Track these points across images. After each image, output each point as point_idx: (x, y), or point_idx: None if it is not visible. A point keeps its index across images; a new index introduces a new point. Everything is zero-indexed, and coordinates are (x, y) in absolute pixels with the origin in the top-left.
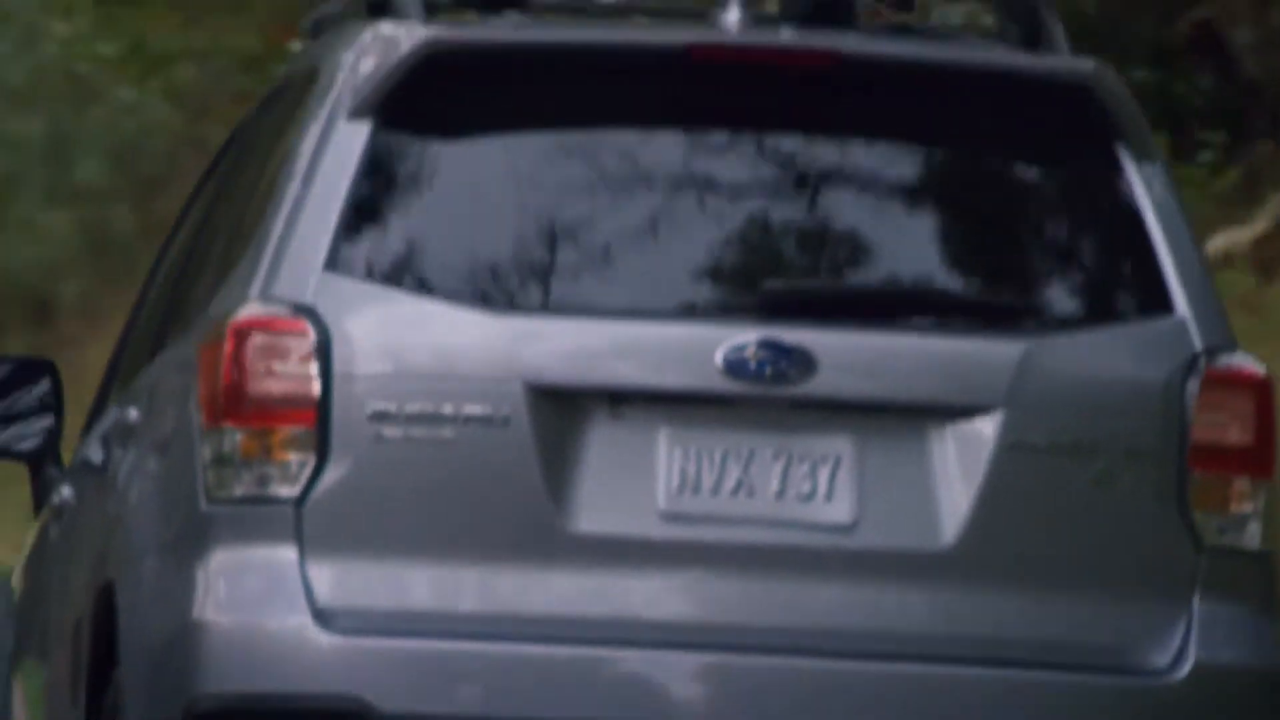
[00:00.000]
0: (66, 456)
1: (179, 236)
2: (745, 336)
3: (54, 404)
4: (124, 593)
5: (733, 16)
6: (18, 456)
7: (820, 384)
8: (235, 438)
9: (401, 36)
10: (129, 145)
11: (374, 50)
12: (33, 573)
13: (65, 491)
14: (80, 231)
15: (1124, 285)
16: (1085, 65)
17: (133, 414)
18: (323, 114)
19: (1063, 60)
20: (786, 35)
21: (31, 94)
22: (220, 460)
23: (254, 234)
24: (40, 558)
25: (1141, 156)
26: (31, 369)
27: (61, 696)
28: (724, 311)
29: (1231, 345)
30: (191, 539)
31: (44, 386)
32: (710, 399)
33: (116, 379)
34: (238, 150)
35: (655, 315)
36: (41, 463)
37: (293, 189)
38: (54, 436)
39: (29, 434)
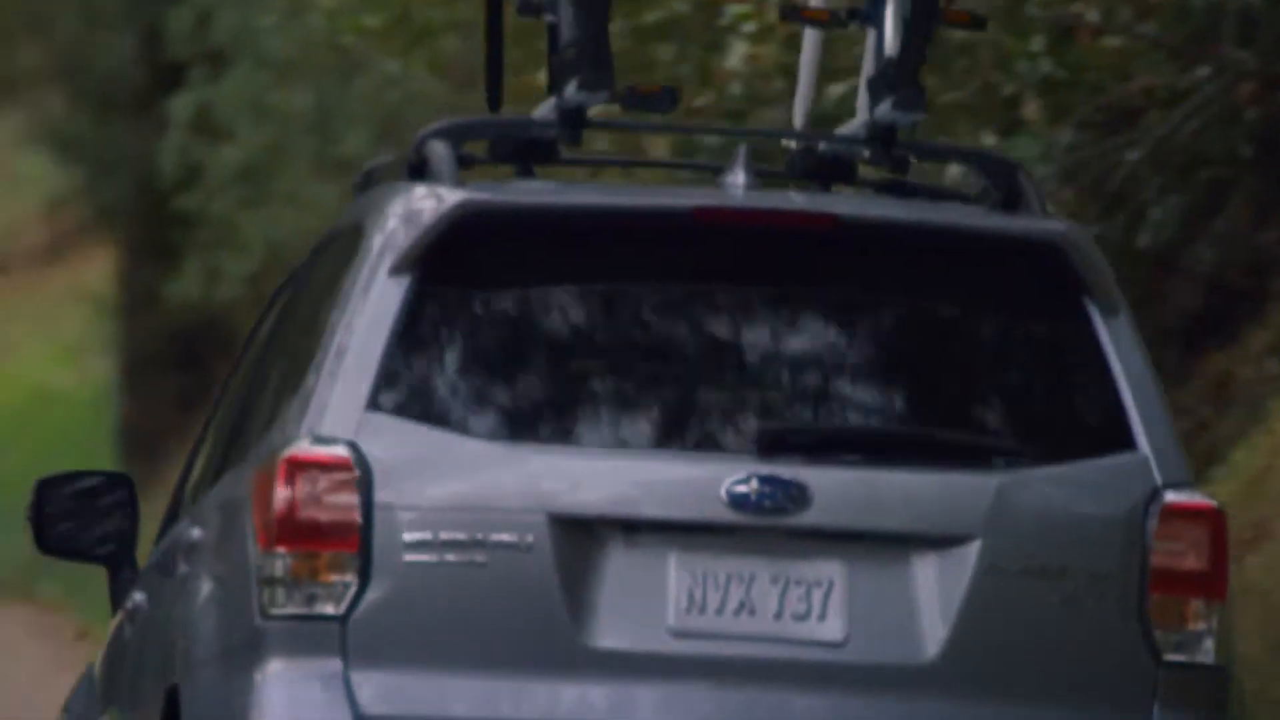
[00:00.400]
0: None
1: (246, 359)
2: (746, 472)
3: (130, 513)
4: (187, 696)
5: (738, 178)
6: (98, 560)
7: (814, 515)
8: (286, 561)
9: (437, 199)
10: (393, 117)
11: (412, 211)
12: (109, 669)
13: (138, 596)
14: (345, 203)
15: (1091, 426)
16: (1056, 226)
17: (197, 532)
18: (366, 268)
19: (1036, 222)
20: (784, 198)
21: (297, 67)
22: (272, 580)
23: (305, 374)
24: (116, 655)
25: (1107, 309)
26: (113, 481)
27: None
28: (727, 449)
29: (1188, 480)
30: (247, 650)
31: (121, 496)
32: (715, 528)
33: (187, 489)
34: (295, 289)
35: (665, 452)
36: (119, 565)
37: (340, 335)
38: (129, 542)
39: (108, 540)
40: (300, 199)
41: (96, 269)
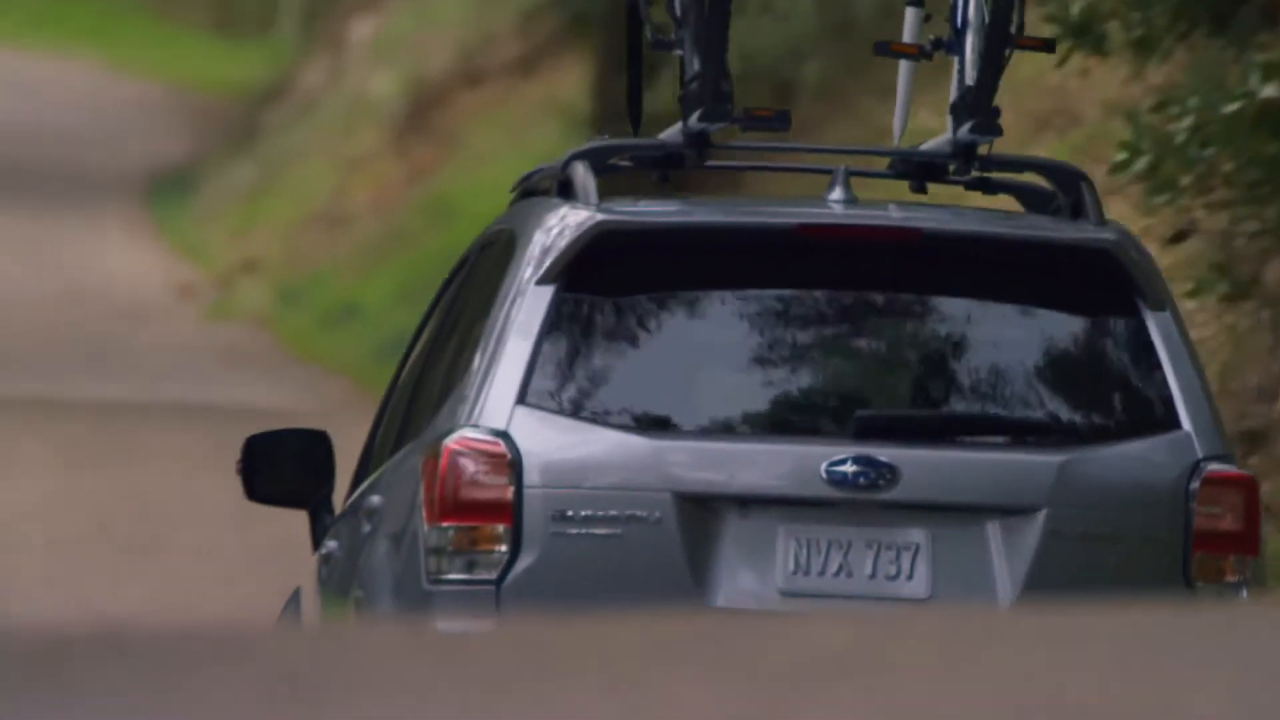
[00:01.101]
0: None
1: (423, 337)
2: (843, 453)
3: (327, 466)
4: None
5: (838, 195)
6: (299, 506)
7: (902, 490)
8: (449, 533)
9: (578, 218)
10: None
11: (557, 228)
12: (311, 604)
13: (332, 544)
14: (820, 13)
15: (1141, 408)
16: (1109, 234)
17: (376, 500)
18: (518, 277)
19: (1091, 230)
20: (877, 214)
21: None
22: (438, 551)
23: (466, 369)
24: (315, 593)
25: (1155, 305)
26: (312, 437)
27: None
28: (827, 433)
29: (1227, 453)
30: (417, 610)
31: (320, 451)
32: (817, 502)
33: (375, 447)
34: (463, 282)
35: (774, 437)
36: (318, 511)
37: (495, 335)
38: (327, 492)
39: (307, 489)
40: (777, 8)
41: (569, 81)
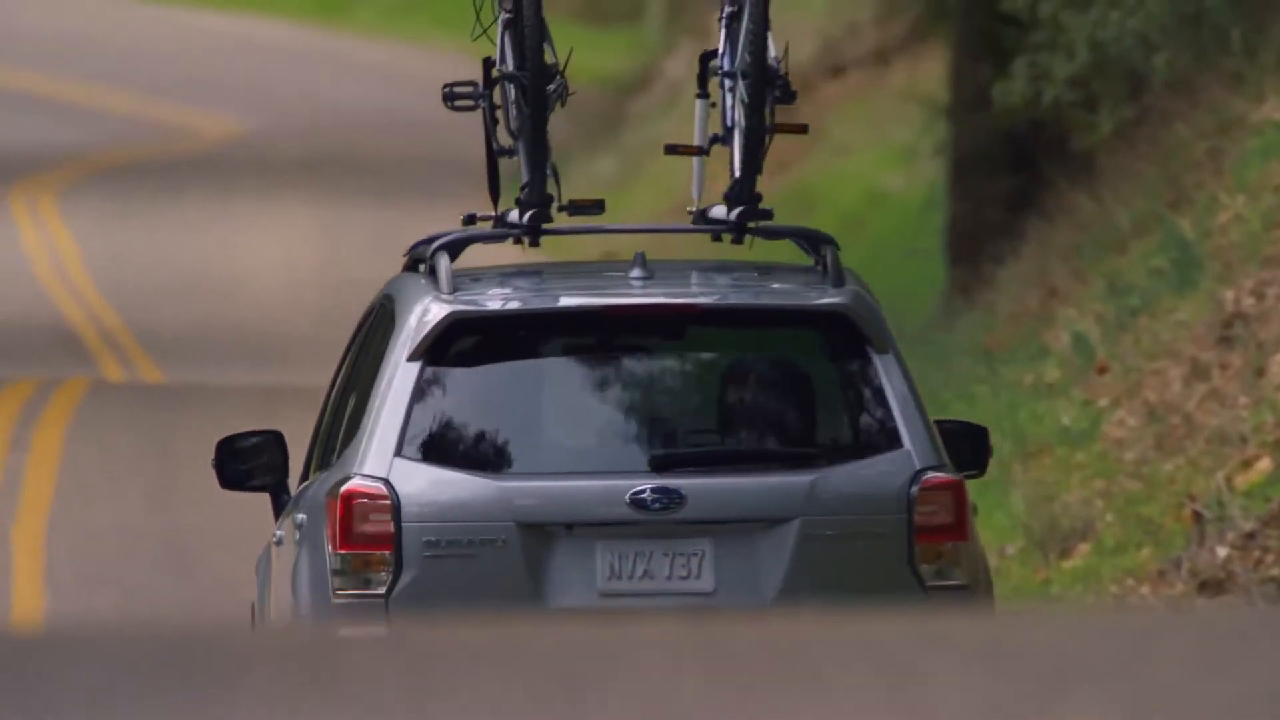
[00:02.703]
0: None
1: (343, 369)
2: (643, 484)
3: (281, 459)
4: None
5: (636, 273)
6: (263, 490)
7: (689, 511)
8: (348, 559)
9: (437, 311)
10: None
11: (421, 315)
12: (260, 575)
13: (280, 533)
14: (1170, 3)
15: (872, 433)
16: (842, 296)
17: (302, 517)
18: (394, 355)
19: (830, 294)
20: (664, 291)
21: None
22: (340, 572)
23: (358, 425)
24: (266, 564)
25: (881, 350)
26: (267, 436)
27: None
28: (631, 470)
29: (940, 464)
30: (324, 616)
31: (274, 447)
32: (625, 523)
33: (313, 453)
34: (363, 340)
35: (590, 474)
36: (277, 493)
37: (378, 401)
38: (283, 477)
39: (269, 475)
40: (1125, 1)
41: (929, 71)
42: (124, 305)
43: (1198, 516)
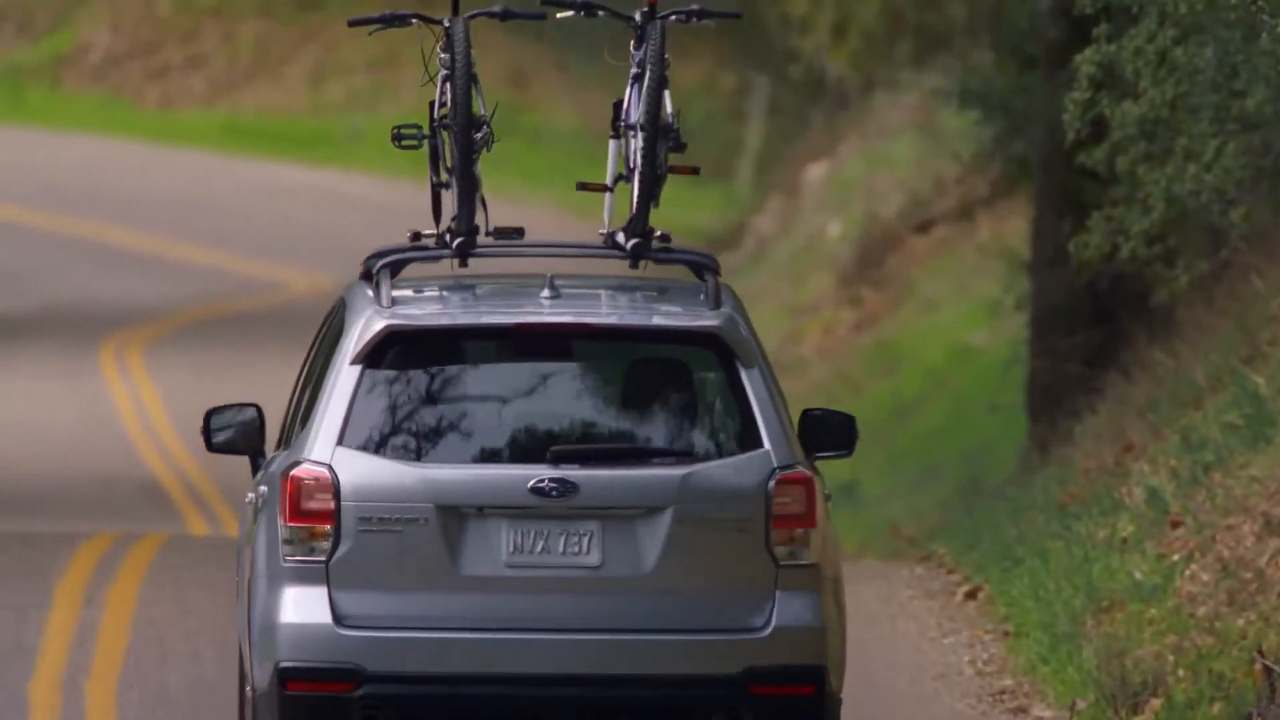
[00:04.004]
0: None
1: (307, 360)
2: (543, 474)
3: (259, 426)
4: (253, 592)
5: (545, 293)
6: (243, 453)
7: (581, 499)
8: (296, 531)
9: (377, 323)
10: None
11: (364, 325)
12: (242, 532)
13: (252, 496)
14: (1246, 158)
15: (739, 436)
16: (717, 319)
17: (264, 489)
18: (341, 358)
19: (706, 316)
20: (565, 313)
21: (1202, 22)
22: (289, 541)
23: (309, 417)
24: (245, 519)
25: (748, 364)
26: (247, 408)
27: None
28: (533, 461)
29: (795, 462)
30: (277, 578)
31: (255, 415)
32: (526, 508)
33: (284, 428)
34: (321, 338)
35: (499, 464)
36: (255, 457)
37: (325, 397)
38: (260, 444)
39: (247, 441)
40: (1201, 156)
41: (1013, 226)
42: (208, 458)
43: (1269, 672)
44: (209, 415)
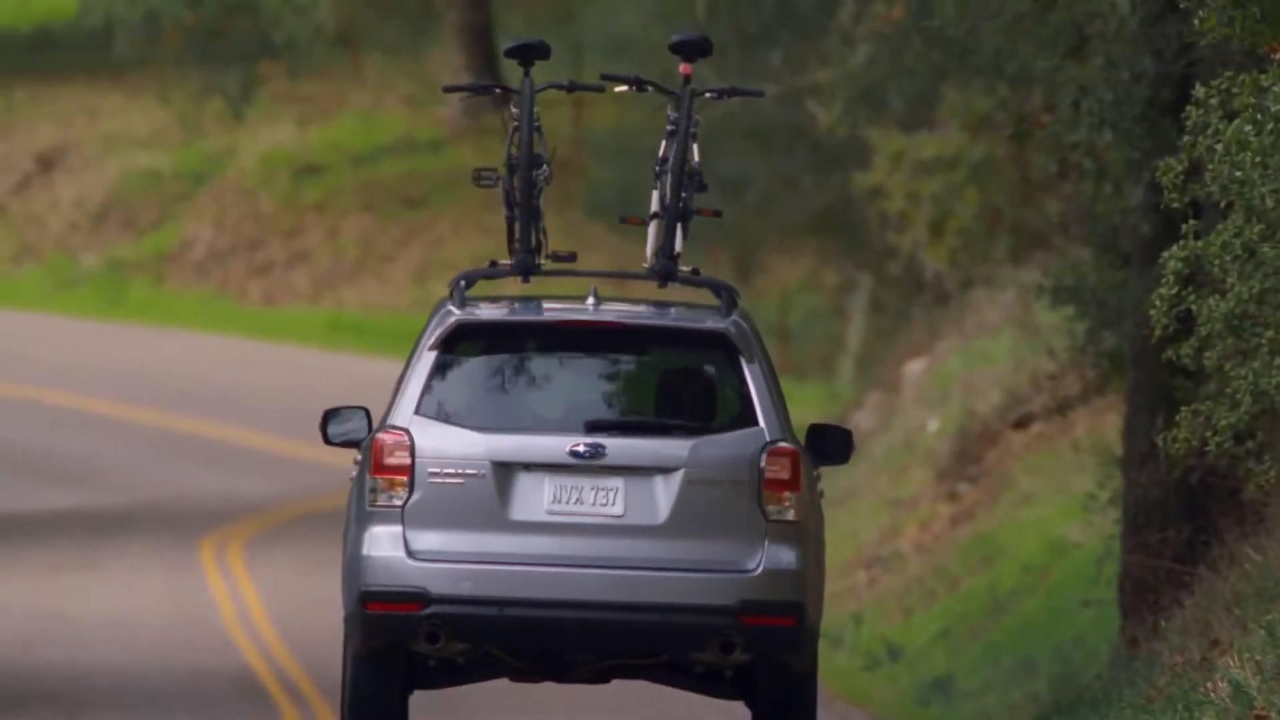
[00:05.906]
0: None
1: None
2: (579, 440)
3: (368, 424)
4: (349, 535)
5: (590, 300)
6: (355, 445)
7: (610, 459)
8: (379, 481)
9: (450, 318)
10: None
11: (441, 318)
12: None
13: (359, 456)
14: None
15: (738, 415)
16: (727, 324)
17: (360, 456)
18: (421, 347)
19: (719, 321)
20: (601, 313)
21: None
22: (374, 489)
23: (397, 392)
24: (350, 491)
25: (749, 360)
26: (357, 410)
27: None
28: (571, 429)
29: (783, 438)
30: (364, 520)
31: (362, 416)
32: (566, 466)
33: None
34: (418, 335)
35: (545, 431)
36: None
37: (409, 375)
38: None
39: (357, 435)
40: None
41: (1108, 421)
42: (307, 654)
43: None
44: (326, 415)
